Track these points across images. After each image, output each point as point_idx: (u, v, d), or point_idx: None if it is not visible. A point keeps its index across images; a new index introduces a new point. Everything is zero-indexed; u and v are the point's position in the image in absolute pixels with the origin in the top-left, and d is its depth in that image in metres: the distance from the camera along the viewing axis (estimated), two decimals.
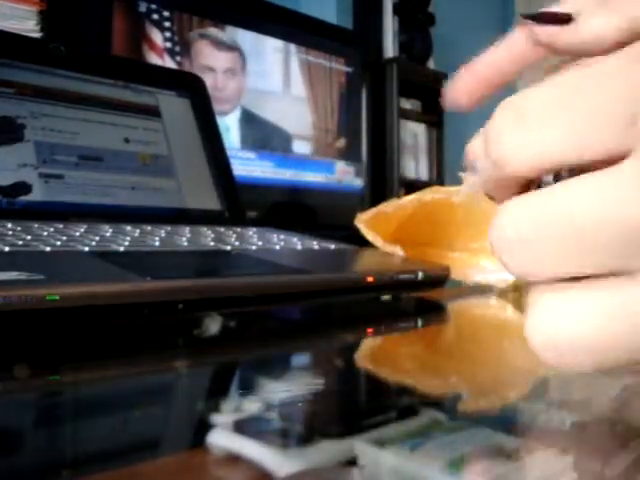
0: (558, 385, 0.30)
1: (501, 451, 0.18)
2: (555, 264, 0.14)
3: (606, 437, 0.21)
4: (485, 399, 0.28)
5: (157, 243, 0.45)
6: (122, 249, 0.41)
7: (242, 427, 0.21)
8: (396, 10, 2.77)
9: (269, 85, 2.41)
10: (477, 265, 0.67)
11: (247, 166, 2.27)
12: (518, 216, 0.14)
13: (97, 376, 0.29)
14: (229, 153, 0.69)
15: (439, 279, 0.53)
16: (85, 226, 0.49)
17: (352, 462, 0.18)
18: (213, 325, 0.40)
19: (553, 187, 0.14)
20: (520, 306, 0.57)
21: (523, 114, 0.14)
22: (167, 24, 2.08)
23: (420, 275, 0.49)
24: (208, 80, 2.19)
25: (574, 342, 0.14)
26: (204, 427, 0.22)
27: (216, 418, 0.23)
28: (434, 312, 0.54)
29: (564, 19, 0.18)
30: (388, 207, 0.62)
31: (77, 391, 0.27)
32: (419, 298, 0.55)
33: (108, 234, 0.46)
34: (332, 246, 0.56)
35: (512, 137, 0.15)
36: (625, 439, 0.21)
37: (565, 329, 0.14)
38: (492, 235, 0.15)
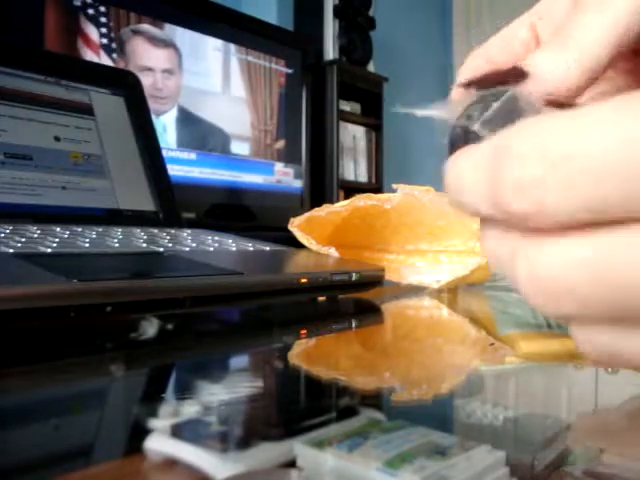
0: (492, 382, 0.31)
1: (437, 448, 0.19)
2: (561, 201, 0.13)
3: (536, 431, 0.22)
4: (418, 391, 0.28)
5: (87, 244, 0.44)
6: (49, 251, 0.40)
7: (180, 431, 0.21)
8: (337, 13, 2.78)
9: (208, 85, 2.39)
10: (412, 266, 0.69)
11: (185, 166, 2.25)
12: (526, 150, 0.13)
13: (23, 382, 0.28)
14: (166, 153, 0.68)
15: (374, 280, 0.53)
16: (11, 227, 0.47)
17: (291, 464, 0.18)
18: (150, 328, 0.39)
19: (563, 116, 0.13)
20: (453, 306, 0.58)
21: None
22: (103, 20, 2.03)
23: (354, 276, 0.49)
24: (146, 79, 2.15)
25: (560, 286, 0.14)
26: (141, 432, 0.21)
27: (153, 423, 0.22)
28: (370, 313, 0.54)
29: (517, 73, 0.18)
30: (321, 211, 0.62)
31: (3, 398, 0.26)
32: (355, 299, 0.56)
33: (35, 235, 0.45)
34: (267, 248, 0.56)
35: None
36: (554, 432, 0.22)
37: (555, 273, 0.14)
38: (498, 171, 0.14)
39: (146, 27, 2.14)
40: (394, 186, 0.62)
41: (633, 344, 0.14)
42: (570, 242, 0.14)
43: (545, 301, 0.14)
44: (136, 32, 2.11)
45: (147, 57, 2.15)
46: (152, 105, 2.06)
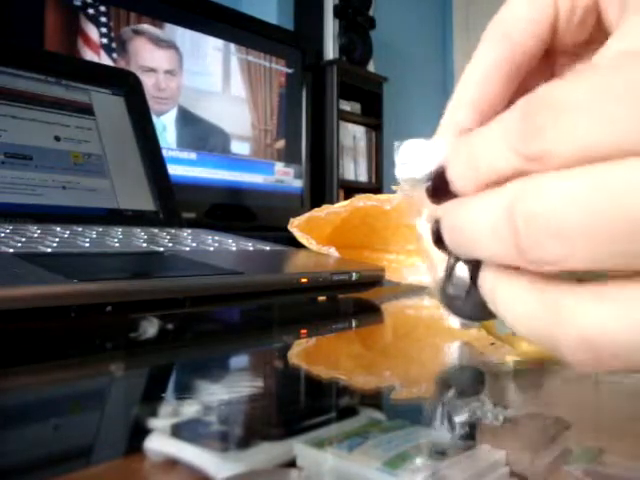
0: (492, 381, 0.31)
1: (437, 448, 0.19)
2: (588, 252, 0.13)
3: (536, 431, 0.22)
4: (417, 389, 0.28)
5: (87, 244, 0.44)
6: (49, 250, 0.40)
7: (180, 431, 0.21)
8: (337, 13, 2.78)
9: (208, 85, 2.38)
10: (412, 266, 0.68)
11: (185, 166, 2.25)
12: (565, 195, 0.14)
13: (23, 382, 0.28)
14: (166, 153, 0.68)
15: (374, 280, 0.53)
16: (11, 227, 0.47)
17: (291, 464, 0.18)
18: (150, 328, 0.39)
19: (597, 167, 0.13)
20: None
21: (568, 108, 0.14)
22: (103, 19, 2.03)
23: (354, 276, 0.49)
24: (149, 80, 2.15)
25: (611, 344, 0.14)
26: (141, 432, 0.21)
27: (153, 422, 0.22)
28: (369, 312, 0.54)
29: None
30: (321, 212, 0.62)
31: (3, 398, 0.26)
32: (355, 299, 0.56)
33: (35, 235, 0.45)
34: (267, 247, 0.56)
35: (557, 131, 0.14)
36: (554, 433, 0.22)
37: (603, 330, 0.14)
38: (515, 212, 0.14)
39: (147, 27, 2.14)
40: (393, 187, 0.62)
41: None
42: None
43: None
44: (137, 32, 2.11)
45: (150, 58, 2.15)
46: (154, 106, 2.07)
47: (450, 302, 0.19)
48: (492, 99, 0.21)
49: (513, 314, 0.16)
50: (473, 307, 0.19)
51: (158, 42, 2.18)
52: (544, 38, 0.20)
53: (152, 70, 2.15)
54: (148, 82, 2.09)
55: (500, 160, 0.15)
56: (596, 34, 0.21)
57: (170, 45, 2.21)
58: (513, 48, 0.20)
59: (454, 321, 0.20)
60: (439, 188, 0.18)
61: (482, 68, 0.21)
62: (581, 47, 0.22)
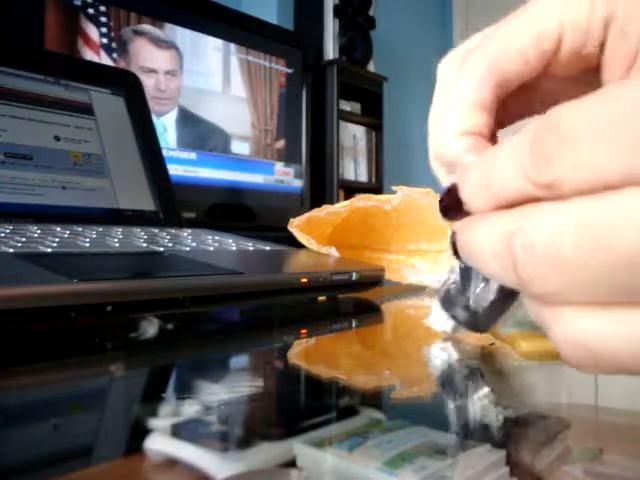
0: (492, 381, 0.31)
1: (437, 448, 0.19)
2: (587, 283, 0.14)
3: (536, 431, 0.22)
4: (418, 388, 0.28)
5: (87, 244, 0.44)
6: (49, 250, 0.40)
7: (180, 431, 0.21)
8: (337, 12, 2.78)
9: (208, 85, 2.38)
10: (412, 266, 0.69)
11: (186, 166, 2.25)
12: (561, 227, 0.14)
13: (23, 382, 0.28)
14: (167, 153, 0.68)
15: (374, 280, 0.53)
16: (11, 227, 0.47)
17: (291, 464, 0.18)
18: (150, 328, 0.39)
19: (601, 199, 0.13)
20: None
21: (575, 136, 0.14)
22: (103, 19, 2.03)
23: (354, 276, 0.49)
24: (149, 80, 2.15)
25: (608, 351, 0.14)
26: (141, 432, 0.21)
27: (153, 422, 0.22)
28: (369, 312, 0.54)
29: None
30: (321, 212, 0.62)
31: (3, 398, 0.26)
32: (355, 299, 0.56)
33: (35, 235, 0.45)
34: (267, 247, 0.56)
35: (564, 159, 0.14)
36: (554, 433, 0.22)
37: (598, 341, 0.14)
38: (514, 242, 0.15)
39: (147, 27, 2.14)
40: (394, 188, 0.62)
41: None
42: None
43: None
44: (137, 32, 2.11)
45: (150, 58, 2.15)
46: (154, 107, 2.07)
47: (459, 310, 0.20)
48: (486, 103, 0.21)
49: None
50: (486, 318, 0.19)
51: (158, 42, 2.18)
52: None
53: (152, 71, 2.15)
54: (148, 83, 2.09)
55: (512, 184, 0.15)
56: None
57: (170, 45, 2.21)
58: (504, 75, 0.20)
59: (444, 325, 0.20)
60: (451, 207, 0.18)
61: (474, 78, 0.21)
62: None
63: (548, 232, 0.14)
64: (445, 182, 0.20)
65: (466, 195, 0.17)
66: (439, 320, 0.20)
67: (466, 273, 0.19)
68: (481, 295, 0.19)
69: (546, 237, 0.14)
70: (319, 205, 0.63)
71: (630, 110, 0.13)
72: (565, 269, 0.14)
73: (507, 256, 0.15)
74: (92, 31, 1.99)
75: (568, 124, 0.14)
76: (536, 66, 0.20)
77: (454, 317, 0.20)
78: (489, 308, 0.18)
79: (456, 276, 0.19)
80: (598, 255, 0.13)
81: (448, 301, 0.20)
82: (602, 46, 0.19)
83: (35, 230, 0.47)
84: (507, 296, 0.18)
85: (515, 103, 0.23)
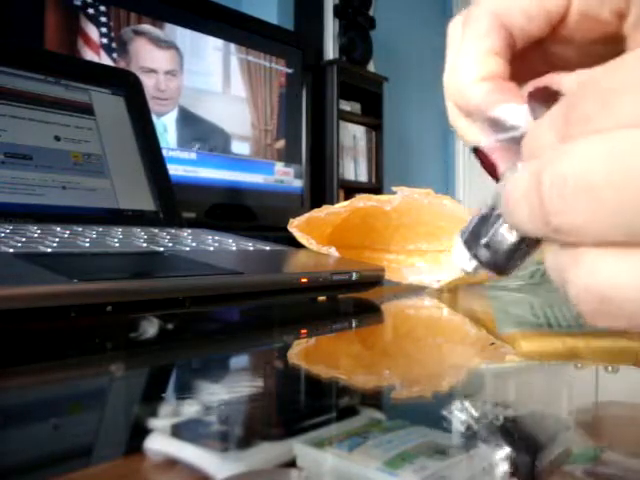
0: (492, 381, 0.31)
1: (437, 448, 0.19)
2: (614, 208, 0.13)
3: (536, 431, 0.22)
4: (418, 387, 0.28)
5: (87, 244, 0.44)
6: (49, 250, 0.40)
7: (180, 431, 0.21)
8: (337, 13, 2.78)
9: (208, 85, 2.38)
10: (412, 266, 0.69)
11: (186, 166, 2.25)
12: (591, 155, 0.14)
13: (23, 382, 0.28)
14: (166, 153, 0.68)
15: (374, 280, 0.53)
16: (11, 227, 0.47)
17: (291, 464, 0.18)
18: (150, 328, 0.39)
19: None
20: (453, 305, 0.58)
21: (614, 94, 0.14)
22: (103, 19, 2.03)
23: (354, 276, 0.49)
24: (149, 80, 2.15)
25: (616, 298, 0.14)
26: (141, 432, 0.21)
27: (153, 422, 0.22)
28: (369, 312, 0.54)
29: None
30: (321, 212, 0.62)
31: (3, 398, 0.26)
32: (355, 299, 0.56)
33: (35, 235, 0.45)
34: (267, 247, 0.56)
35: (602, 109, 0.14)
36: (554, 433, 0.22)
37: (610, 285, 0.14)
38: (543, 177, 0.15)
39: (148, 28, 2.14)
40: (394, 189, 0.62)
41: None
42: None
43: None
44: (137, 32, 2.11)
45: (150, 58, 2.15)
46: (154, 107, 2.07)
47: (481, 250, 0.20)
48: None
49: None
50: (507, 261, 0.19)
51: (158, 42, 2.18)
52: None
53: (152, 71, 2.15)
54: (148, 83, 2.09)
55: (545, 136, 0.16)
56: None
57: (170, 45, 2.21)
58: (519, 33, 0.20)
59: (465, 264, 0.20)
60: (486, 168, 0.19)
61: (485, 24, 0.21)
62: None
63: (578, 160, 0.14)
64: (468, 137, 0.21)
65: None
66: (461, 258, 0.20)
67: (490, 214, 0.19)
68: (504, 236, 0.19)
69: (576, 165, 0.14)
70: (319, 205, 0.63)
71: None
72: (593, 198, 0.13)
73: (535, 193, 0.15)
74: (92, 31, 1.99)
75: (606, 83, 0.14)
76: (541, 25, 0.20)
77: (476, 256, 0.20)
78: (510, 250, 0.19)
79: (482, 215, 0.19)
80: (628, 183, 0.13)
81: (471, 240, 0.20)
82: (622, 15, 0.19)
83: (35, 230, 0.47)
84: (529, 240, 0.18)
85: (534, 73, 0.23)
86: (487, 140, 0.20)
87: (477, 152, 0.19)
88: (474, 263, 0.20)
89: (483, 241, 0.19)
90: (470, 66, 0.21)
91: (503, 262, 0.19)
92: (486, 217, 0.19)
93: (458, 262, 0.20)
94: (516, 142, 0.18)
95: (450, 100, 0.22)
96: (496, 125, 0.19)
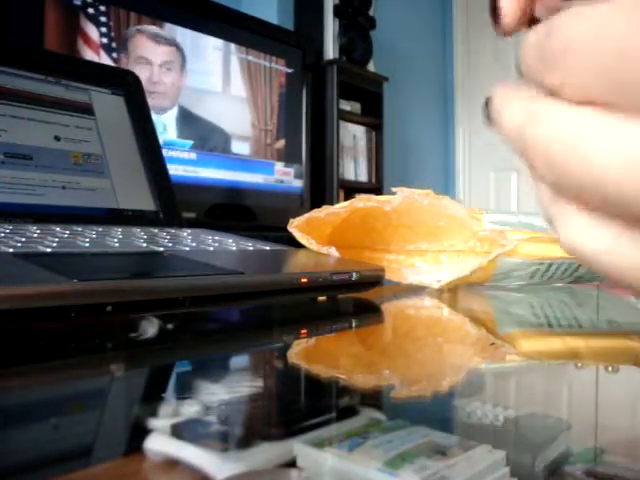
0: (492, 381, 0.31)
1: (437, 448, 0.19)
2: (601, 82, 0.14)
3: (536, 431, 0.22)
4: (417, 387, 0.28)
5: (87, 244, 0.44)
6: (49, 250, 0.40)
7: (180, 431, 0.21)
8: (337, 12, 2.78)
9: (208, 84, 2.38)
10: (412, 266, 0.69)
11: (186, 166, 2.25)
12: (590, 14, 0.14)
13: (23, 382, 0.28)
14: (167, 153, 0.68)
15: (374, 280, 0.53)
16: (11, 227, 0.47)
17: (291, 464, 0.18)
18: (150, 328, 0.39)
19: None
20: (453, 305, 0.58)
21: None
22: (103, 19, 2.03)
23: (355, 276, 0.49)
24: (144, 73, 2.14)
25: (597, 253, 0.16)
26: (141, 432, 0.21)
27: (153, 422, 0.22)
28: (369, 312, 0.54)
29: None
30: (321, 212, 0.62)
31: (3, 398, 0.26)
32: (355, 299, 0.56)
33: (35, 235, 0.45)
34: (267, 247, 0.56)
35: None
36: (554, 432, 0.22)
37: (589, 242, 0.16)
38: (549, 35, 0.15)
39: (148, 27, 2.14)
40: (393, 189, 0.62)
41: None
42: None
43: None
44: (140, 31, 2.11)
45: (147, 53, 2.15)
46: (152, 103, 2.06)
47: None
48: None
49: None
50: None
51: (158, 38, 2.18)
52: None
53: (148, 63, 2.15)
54: (143, 75, 2.09)
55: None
56: None
57: (171, 42, 2.22)
58: None
59: None
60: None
61: None
62: None
63: (576, 23, 0.15)
64: None
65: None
66: None
67: None
68: None
69: (573, 27, 0.15)
70: (319, 205, 0.63)
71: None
72: (583, 54, 0.14)
73: (539, 46, 0.16)
74: (92, 31, 1.99)
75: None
76: None
77: None
78: None
79: None
80: (607, 46, 0.14)
81: None
82: None
83: (35, 230, 0.47)
84: None
85: None
86: None
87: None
88: None
89: None
90: None
91: None
92: None
93: None
94: None
95: None
96: None
